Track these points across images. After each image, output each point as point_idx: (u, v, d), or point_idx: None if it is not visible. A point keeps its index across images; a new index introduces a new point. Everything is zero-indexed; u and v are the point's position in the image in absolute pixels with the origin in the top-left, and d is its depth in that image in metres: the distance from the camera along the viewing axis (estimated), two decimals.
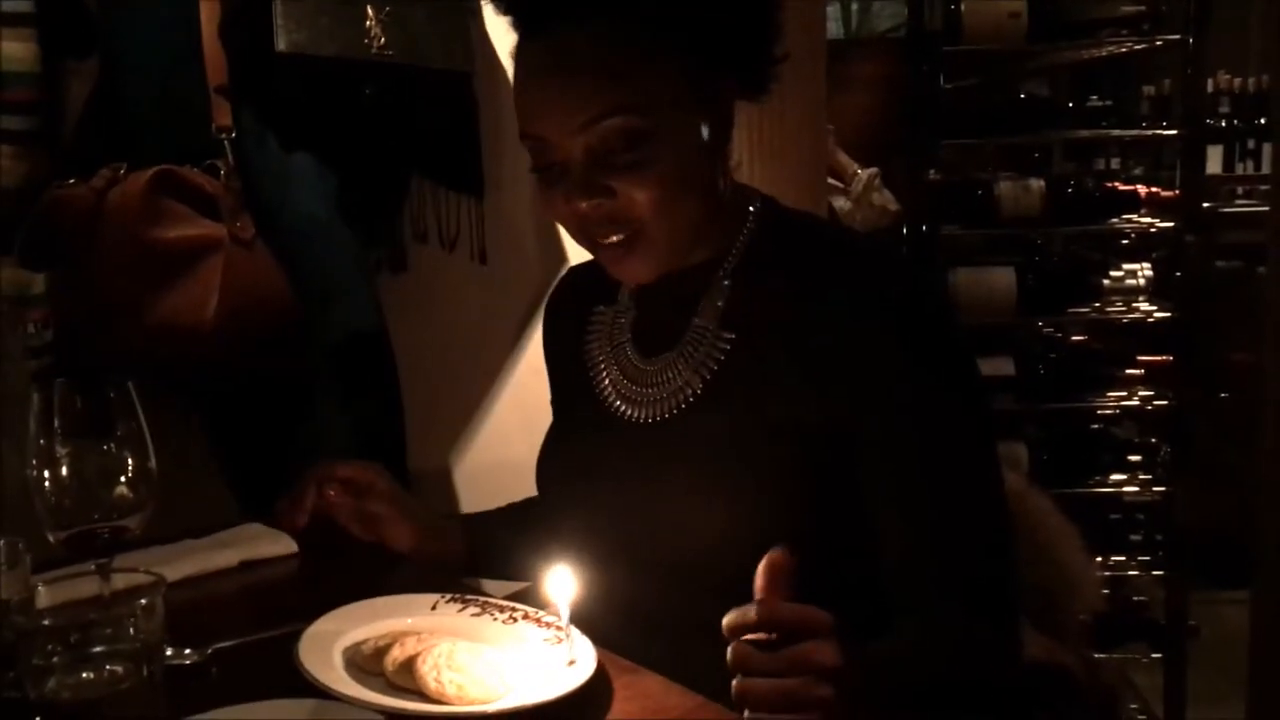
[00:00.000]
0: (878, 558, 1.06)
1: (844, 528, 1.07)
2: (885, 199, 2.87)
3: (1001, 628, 1.05)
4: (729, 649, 0.85)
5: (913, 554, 1.05)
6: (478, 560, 1.36)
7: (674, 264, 1.15)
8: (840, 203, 2.84)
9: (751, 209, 1.17)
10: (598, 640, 1.03)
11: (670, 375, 1.15)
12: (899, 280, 1.09)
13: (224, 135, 1.65)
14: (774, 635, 0.84)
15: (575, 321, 1.28)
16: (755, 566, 0.86)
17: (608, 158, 1.06)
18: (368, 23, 1.69)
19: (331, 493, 1.31)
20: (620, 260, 1.12)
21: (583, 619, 1.04)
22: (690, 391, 1.13)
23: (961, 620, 1.03)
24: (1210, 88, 3.60)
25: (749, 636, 0.85)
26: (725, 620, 0.85)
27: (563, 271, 2.07)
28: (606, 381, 1.21)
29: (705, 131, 1.10)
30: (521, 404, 2.11)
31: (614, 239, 1.10)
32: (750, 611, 0.84)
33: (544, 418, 1.35)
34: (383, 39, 1.70)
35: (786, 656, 0.84)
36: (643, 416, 1.16)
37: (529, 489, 1.33)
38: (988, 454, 1.08)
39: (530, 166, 1.13)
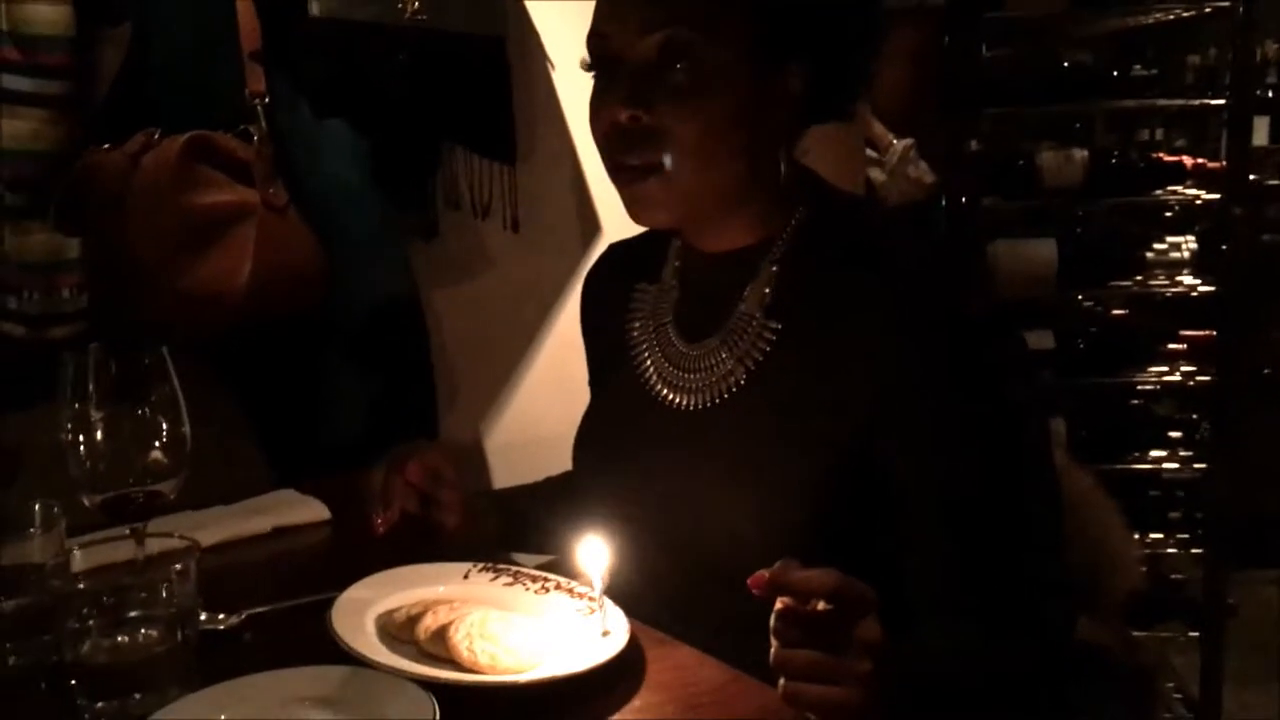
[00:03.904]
0: (908, 560, 1.04)
1: (878, 528, 1.05)
2: (920, 171, 2.82)
3: (1021, 653, 1.02)
4: (772, 614, 0.84)
5: (932, 575, 1.02)
6: (510, 536, 1.35)
7: (689, 218, 1.14)
8: (876, 174, 2.81)
9: (805, 197, 1.15)
10: (631, 617, 1.02)
11: (713, 362, 1.13)
12: (937, 301, 1.06)
13: (257, 101, 1.64)
14: (816, 605, 0.83)
15: (617, 298, 1.26)
16: (792, 558, 0.85)
17: (661, 75, 1.06)
18: None
19: (412, 483, 1.28)
20: (635, 186, 1.10)
21: (617, 596, 1.03)
22: (734, 380, 1.11)
23: (979, 645, 1.00)
24: (1258, 57, 3.53)
25: (786, 601, 0.83)
26: (771, 571, 0.84)
27: (598, 242, 2.08)
28: (648, 363, 1.19)
29: (766, 102, 1.08)
30: (555, 377, 2.10)
31: (637, 161, 1.08)
32: (795, 571, 0.83)
33: (577, 392, 1.34)
34: (416, 3, 1.69)
35: (831, 628, 0.82)
36: (685, 403, 1.14)
37: (560, 463, 1.32)
38: (1035, 453, 1.06)
39: (585, 65, 1.12)
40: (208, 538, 1.23)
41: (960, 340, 1.05)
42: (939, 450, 1.02)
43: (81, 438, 0.98)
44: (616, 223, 1.20)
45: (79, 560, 0.95)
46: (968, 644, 0.99)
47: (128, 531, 0.99)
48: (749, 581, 0.84)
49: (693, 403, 1.13)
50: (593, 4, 1.12)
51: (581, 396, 1.33)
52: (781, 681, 0.84)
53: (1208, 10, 2.60)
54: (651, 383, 1.18)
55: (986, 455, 1.03)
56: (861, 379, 1.03)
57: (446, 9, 1.74)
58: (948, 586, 1.02)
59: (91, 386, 0.99)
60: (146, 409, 1.00)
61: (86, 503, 0.99)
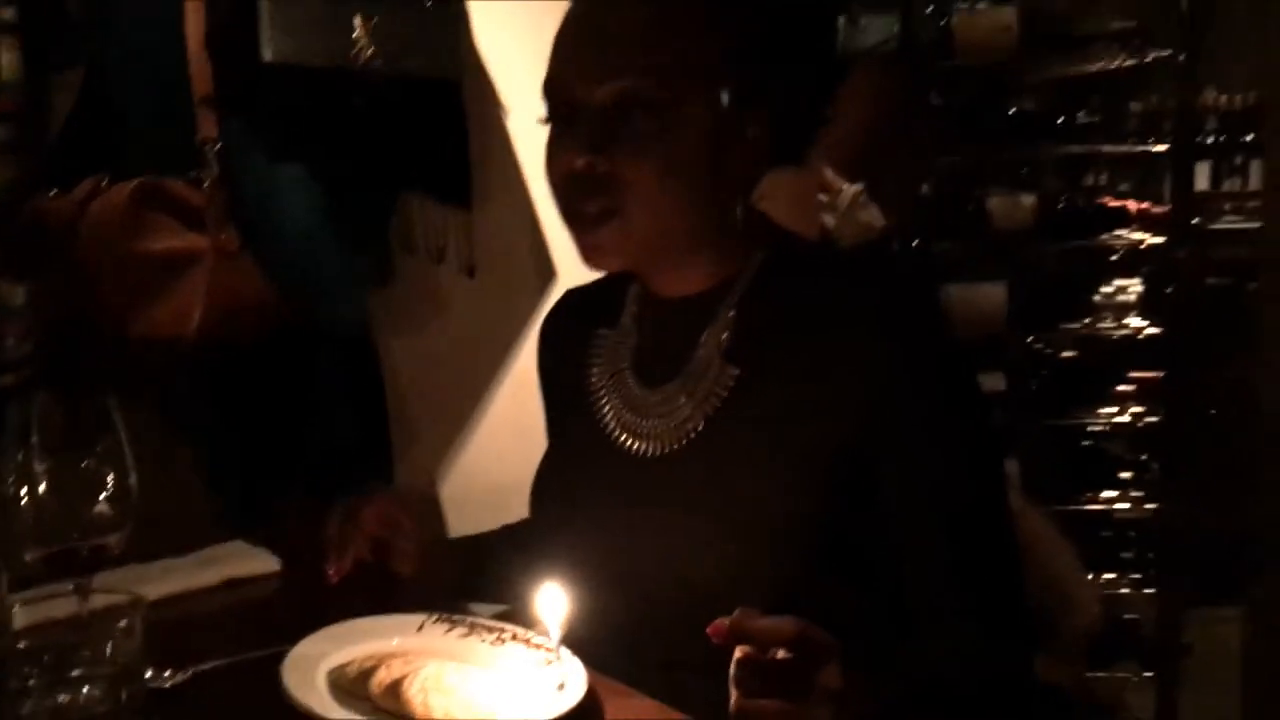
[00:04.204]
0: (876, 593, 1.04)
1: (844, 565, 1.05)
2: (871, 215, 2.85)
3: (1018, 654, 1.04)
4: (733, 662, 0.83)
5: (930, 585, 1.03)
6: (467, 585, 1.34)
7: (645, 264, 1.14)
8: (827, 218, 2.83)
9: (762, 241, 1.15)
10: (589, 667, 1.00)
11: (673, 407, 1.12)
12: (911, 325, 1.07)
13: (209, 146, 1.63)
14: (777, 653, 0.82)
15: (574, 344, 1.26)
16: (754, 605, 0.85)
17: (618, 122, 1.06)
18: (355, 32, 1.68)
19: (367, 532, 1.26)
20: (591, 232, 1.10)
21: (574, 647, 1.01)
22: (693, 425, 1.10)
23: (980, 648, 1.01)
24: (1199, 105, 3.61)
25: (746, 649, 0.83)
26: (731, 619, 0.83)
27: (554, 286, 2.07)
28: (607, 409, 1.18)
29: (724, 148, 1.08)
30: (511, 422, 2.09)
31: (593, 209, 1.08)
32: (755, 620, 0.82)
33: (534, 437, 1.33)
34: (370, 49, 1.69)
35: (791, 676, 0.82)
36: (645, 449, 1.13)
37: (518, 510, 1.31)
38: (999, 482, 1.07)
39: (544, 117, 1.12)
40: (155, 591, 1.20)
41: (940, 363, 1.06)
42: (920, 478, 1.03)
43: (25, 490, 0.96)
44: (572, 267, 1.20)
45: (20, 617, 0.92)
46: (934, 681, 0.99)
47: (71, 587, 0.96)
48: (709, 630, 0.84)
49: (653, 449, 1.13)
50: (549, 48, 1.13)
51: (539, 442, 1.32)
52: None
53: (1150, 59, 2.66)
54: (611, 429, 1.17)
55: (970, 474, 1.04)
56: (828, 418, 1.03)
57: (401, 53, 1.75)
58: (925, 610, 1.03)
59: (35, 436, 0.96)
60: (92, 460, 0.98)
61: (28, 557, 0.97)
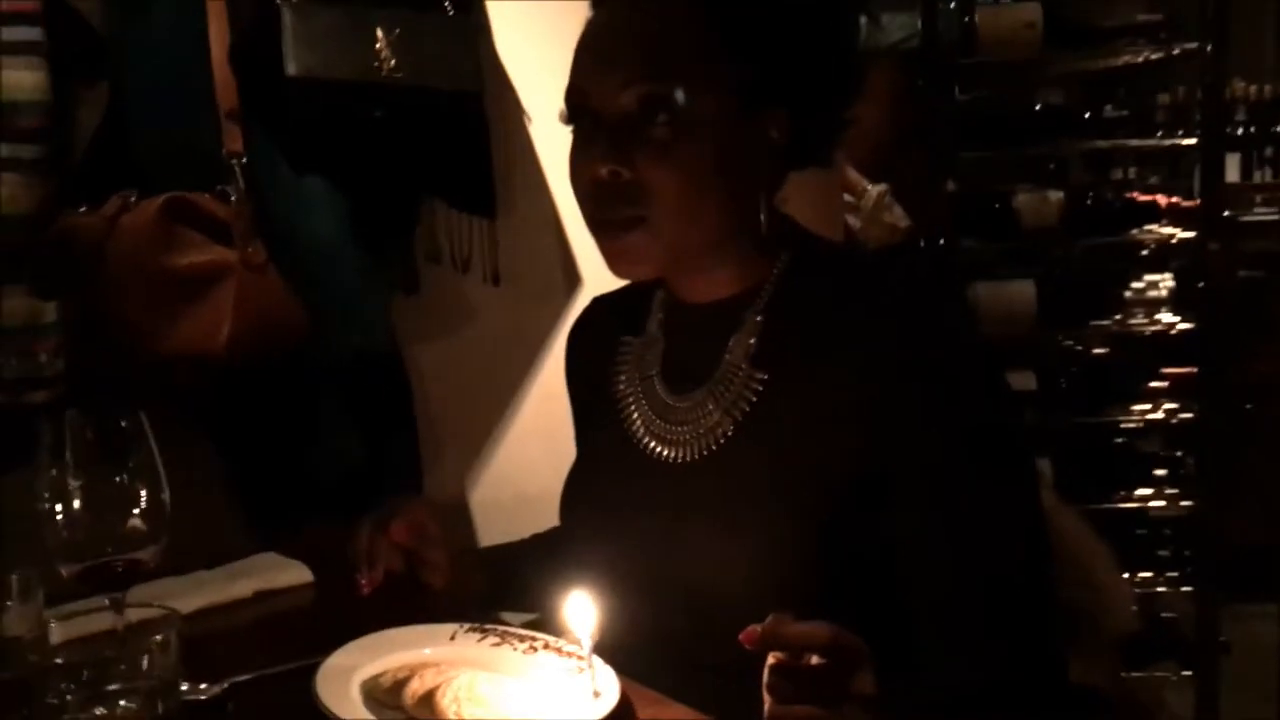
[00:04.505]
0: (906, 600, 1.03)
1: (873, 571, 1.04)
2: (895, 216, 2.84)
3: (1050, 659, 1.03)
4: (765, 669, 0.83)
5: (961, 589, 1.01)
6: (497, 594, 1.34)
7: (671, 270, 1.14)
8: (851, 220, 2.82)
9: (787, 245, 1.15)
10: (620, 674, 1.00)
11: (700, 414, 1.12)
12: (937, 329, 1.06)
13: (235, 160, 1.64)
14: (810, 659, 0.82)
15: (602, 352, 1.26)
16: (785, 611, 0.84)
17: (641, 128, 1.06)
18: (377, 45, 1.68)
19: (397, 542, 1.26)
20: (616, 241, 1.10)
21: (605, 655, 1.01)
22: (721, 432, 1.10)
23: (1011, 653, 1.00)
24: (1226, 96, 3.58)
25: (780, 655, 0.82)
26: (763, 625, 0.83)
27: (580, 294, 2.07)
28: (636, 417, 1.18)
29: (747, 150, 1.08)
30: (540, 431, 2.09)
31: (618, 216, 1.08)
32: (788, 625, 0.82)
33: (563, 446, 1.33)
34: (393, 61, 1.69)
35: (825, 682, 0.81)
36: (673, 456, 1.13)
37: (548, 519, 1.30)
38: (1032, 484, 1.06)
39: (564, 118, 1.13)
40: (188, 605, 1.21)
41: (966, 366, 1.04)
42: (950, 482, 1.01)
43: (59, 506, 0.97)
44: (597, 274, 1.20)
45: (56, 633, 0.93)
46: (967, 688, 0.98)
47: (106, 601, 0.97)
48: (741, 637, 0.83)
49: (681, 455, 1.12)
50: (570, 58, 1.13)
51: (567, 450, 1.32)
52: None
53: (1176, 51, 2.63)
54: (639, 436, 1.17)
55: (999, 484, 1.02)
56: (857, 421, 1.03)
57: (423, 66, 1.75)
58: (958, 621, 1.01)
59: (69, 453, 0.97)
60: (125, 475, 0.98)
61: (64, 573, 0.98)
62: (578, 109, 1.11)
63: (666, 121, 1.05)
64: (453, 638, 1.10)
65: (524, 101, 2.04)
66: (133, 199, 1.58)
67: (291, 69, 1.62)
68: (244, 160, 1.64)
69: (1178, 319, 2.64)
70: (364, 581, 1.24)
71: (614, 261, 1.12)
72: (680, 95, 1.05)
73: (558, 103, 1.14)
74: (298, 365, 1.68)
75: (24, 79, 1.58)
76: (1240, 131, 3.86)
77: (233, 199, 1.63)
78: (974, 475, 1.02)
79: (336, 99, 1.68)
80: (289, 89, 1.63)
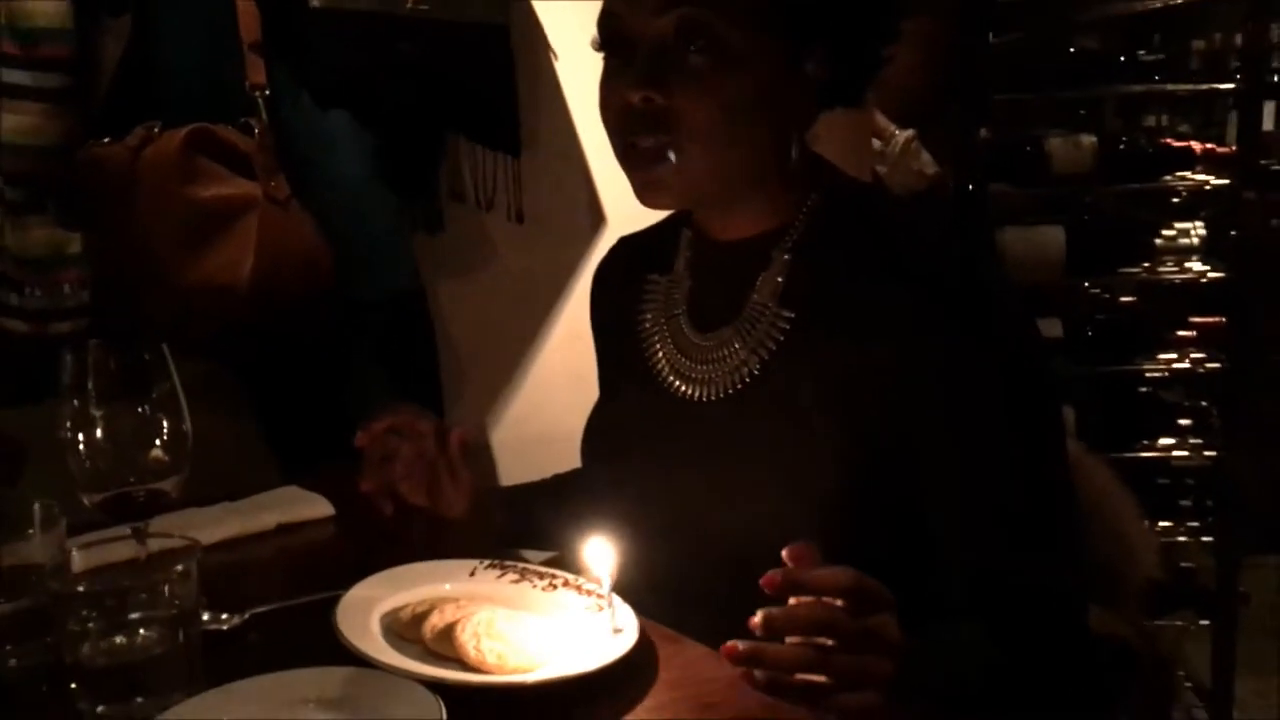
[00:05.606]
0: (931, 543, 1.02)
1: (895, 517, 1.03)
2: (923, 161, 2.80)
3: (1074, 607, 1.02)
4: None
5: (986, 539, 1.01)
6: (517, 533, 1.34)
7: (700, 203, 1.13)
8: (878, 166, 2.78)
9: (817, 184, 1.13)
10: (640, 615, 1.00)
11: (726, 353, 1.11)
12: (967, 273, 1.04)
13: (258, 93, 1.63)
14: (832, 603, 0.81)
15: (627, 291, 1.24)
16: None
17: (676, 56, 1.03)
18: None
19: (388, 455, 1.27)
20: (646, 170, 1.07)
21: (625, 594, 1.01)
22: (747, 371, 1.09)
23: (1036, 602, 0.99)
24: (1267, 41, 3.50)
25: (804, 599, 0.82)
26: (784, 570, 0.82)
27: (604, 232, 2.06)
28: (660, 356, 1.17)
29: (783, 84, 1.05)
30: (563, 370, 2.08)
31: (649, 144, 1.06)
32: (809, 571, 0.82)
33: (586, 385, 1.32)
34: None
35: (861, 628, 0.81)
36: (698, 394, 1.12)
37: (569, 459, 1.30)
38: (1058, 434, 1.04)
39: (596, 45, 1.10)
40: (210, 536, 1.22)
41: (996, 311, 1.02)
42: (975, 429, 1.00)
43: (81, 435, 0.97)
44: (622, 212, 1.19)
45: (79, 561, 0.94)
46: (990, 637, 0.98)
47: (128, 531, 0.97)
48: (761, 582, 0.83)
49: (706, 394, 1.11)
50: None
51: (590, 390, 1.32)
52: (797, 678, 0.82)
53: None
54: (663, 375, 1.16)
55: (1026, 431, 1.01)
56: (884, 363, 1.01)
57: None
58: (980, 568, 1.00)
59: (91, 383, 0.97)
60: (147, 406, 0.99)
61: (86, 501, 0.98)
62: (611, 34, 1.08)
63: (703, 48, 1.02)
64: (473, 573, 1.11)
65: (550, 36, 2.01)
66: (156, 130, 1.57)
67: (316, 1, 1.60)
68: (267, 93, 1.63)
69: (1208, 268, 2.61)
70: (364, 485, 1.25)
71: (642, 191, 1.10)
72: (718, 23, 1.02)
73: (585, 39, 1.11)
74: (321, 303, 1.68)
75: (46, 7, 1.58)
76: (1277, 78, 3.78)
77: (256, 132, 1.62)
78: (1003, 421, 1.00)
79: (360, 31, 1.66)
80: (313, 21, 1.61)
